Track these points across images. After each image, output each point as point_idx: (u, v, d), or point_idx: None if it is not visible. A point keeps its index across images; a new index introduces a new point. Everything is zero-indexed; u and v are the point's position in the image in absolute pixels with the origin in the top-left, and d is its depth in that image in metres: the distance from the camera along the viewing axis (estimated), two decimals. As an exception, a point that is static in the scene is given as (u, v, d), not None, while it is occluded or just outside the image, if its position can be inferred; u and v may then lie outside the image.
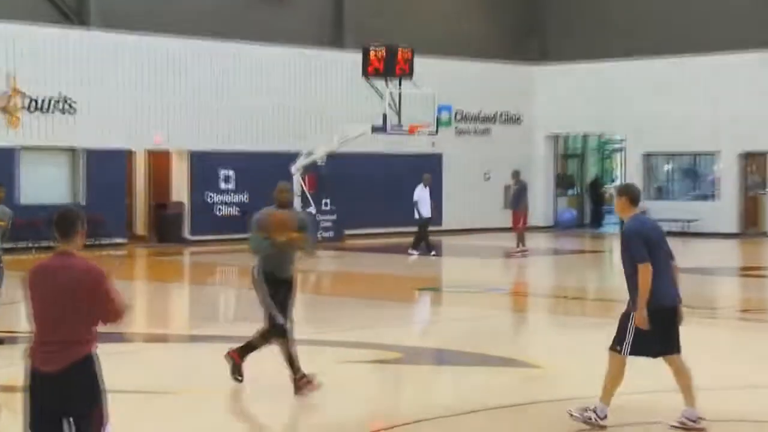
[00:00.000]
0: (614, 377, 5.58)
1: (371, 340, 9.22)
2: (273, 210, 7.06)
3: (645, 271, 5.52)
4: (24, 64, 18.99)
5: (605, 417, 5.55)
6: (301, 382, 6.69)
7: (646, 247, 5.64)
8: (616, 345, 5.61)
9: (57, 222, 3.92)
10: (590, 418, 5.57)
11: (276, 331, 6.86)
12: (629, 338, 5.60)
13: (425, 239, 18.46)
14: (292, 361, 6.77)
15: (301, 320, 12.73)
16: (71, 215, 3.97)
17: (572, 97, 25.61)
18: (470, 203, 24.50)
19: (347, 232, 21.83)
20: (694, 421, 5.55)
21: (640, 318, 5.40)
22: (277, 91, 22.01)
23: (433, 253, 18.05)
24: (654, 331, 5.50)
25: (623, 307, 5.85)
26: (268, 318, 6.82)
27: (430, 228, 19.70)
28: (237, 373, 6.88)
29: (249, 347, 7.02)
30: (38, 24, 19.70)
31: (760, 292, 15.52)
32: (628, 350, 5.60)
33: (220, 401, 6.90)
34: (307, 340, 10.24)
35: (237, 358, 6.99)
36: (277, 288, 6.89)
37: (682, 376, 5.60)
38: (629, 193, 6.06)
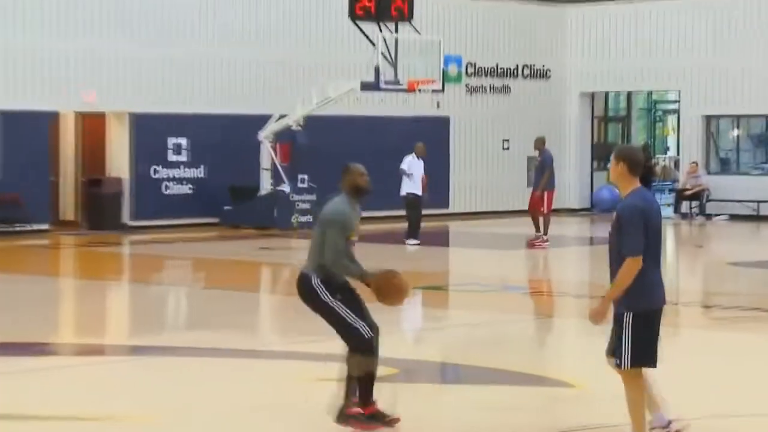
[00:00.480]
0: (632, 400, 5.93)
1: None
2: (351, 208, 7.10)
3: (634, 266, 5.66)
4: None
5: None
6: (384, 418, 6.85)
7: (644, 234, 5.75)
8: (616, 359, 5.88)
9: None
10: None
11: (367, 348, 6.98)
12: (627, 346, 5.83)
13: (415, 222, 19.38)
14: (367, 387, 6.95)
15: (272, 328, 13.05)
16: None
17: (613, 45, 27.46)
18: (485, 180, 26.04)
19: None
20: (665, 427, 5.91)
21: (598, 311, 5.67)
22: (243, 37, 22.76)
23: (414, 242, 18.77)
24: (651, 335, 5.78)
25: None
26: (351, 335, 6.94)
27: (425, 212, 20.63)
28: (383, 420, 6.92)
29: (356, 387, 7.05)
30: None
31: None
32: (629, 362, 5.81)
33: (169, 428, 7.06)
34: (277, 353, 10.32)
35: (364, 410, 7.01)
36: (343, 294, 7.10)
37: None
38: (629, 158, 5.99)
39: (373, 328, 6.75)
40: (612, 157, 6.09)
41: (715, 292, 17.21)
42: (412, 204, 19.95)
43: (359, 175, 7.07)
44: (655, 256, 5.78)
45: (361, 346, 6.83)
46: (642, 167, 5.93)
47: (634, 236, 5.64)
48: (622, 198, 5.82)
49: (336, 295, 6.90)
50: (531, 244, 20.57)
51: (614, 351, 5.92)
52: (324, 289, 6.89)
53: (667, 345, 8.37)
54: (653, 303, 5.85)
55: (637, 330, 5.81)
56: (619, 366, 5.82)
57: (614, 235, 5.81)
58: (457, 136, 25.99)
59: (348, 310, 6.90)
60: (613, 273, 5.80)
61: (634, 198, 5.55)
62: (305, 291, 6.92)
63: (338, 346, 6.75)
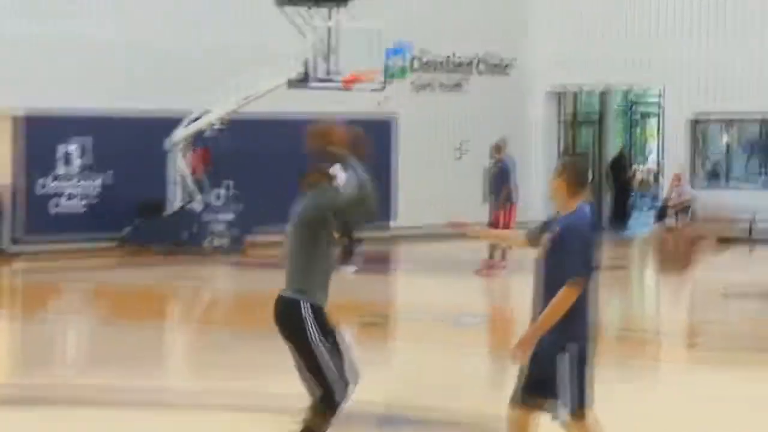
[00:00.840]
0: None
1: (274, 391, 9.79)
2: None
3: (573, 293, 5.79)
4: None
5: None
6: None
7: (587, 258, 5.94)
8: (562, 404, 5.92)
9: None
10: None
11: (331, 410, 7.10)
12: (572, 387, 5.91)
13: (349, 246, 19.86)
14: None
15: (176, 363, 13.12)
16: None
17: (586, 34, 28.22)
18: (436, 191, 26.31)
19: (252, 235, 23.08)
20: None
21: (521, 347, 5.74)
22: (151, 23, 23.33)
23: (353, 269, 19.18)
24: (583, 371, 5.93)
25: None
26: (324, 392, 7.04)
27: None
28: None
29: None
30: None
31: None
32: (577, 403, 5.88)
33: None
34: (179, 393, 10.51)
35: None
36: (330, 339, 7.20)
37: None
38: (572, 171, 6.17)
39: (353, 378, 6.86)
40: (555, 170, 6.20)
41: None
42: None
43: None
44: (593, 281, 5.94)
45: (328, 406, 6.90)
46: (587, 183, 6.16)
47: (579, 257, 5.75)
48: (565, 217, 5.82)
49: (327, 338, 6.92)
50: (483, 271, 20.55)
51: (539, 394, 5.94)
52: (314, 325, 6.89)
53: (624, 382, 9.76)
54: (590, 333, 5.97)
55: (579, 367, 5.89)
56: (565, 411, 5.85)
57: (549, 258, 5.87)
58: (403, 140, 26.23)
59: (331, 364, 6.94)
60: (542, 304, 5.89)
61: (579, 218, 5.67)
62: (290, 320, 6.92)
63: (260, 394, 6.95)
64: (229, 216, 22.57)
